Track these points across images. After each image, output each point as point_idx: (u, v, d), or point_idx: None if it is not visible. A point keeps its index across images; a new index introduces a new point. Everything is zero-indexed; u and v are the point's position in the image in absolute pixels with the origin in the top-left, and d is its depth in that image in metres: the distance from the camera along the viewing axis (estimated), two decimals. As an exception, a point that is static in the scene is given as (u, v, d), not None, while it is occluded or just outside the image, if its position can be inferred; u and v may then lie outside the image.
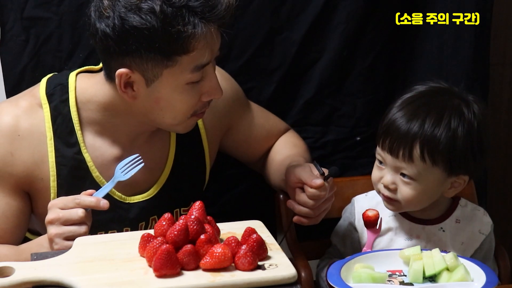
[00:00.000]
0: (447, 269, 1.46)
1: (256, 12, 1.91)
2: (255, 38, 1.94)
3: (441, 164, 1.57)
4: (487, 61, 2.02)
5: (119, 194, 1.65)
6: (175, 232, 1.35)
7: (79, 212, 1.46)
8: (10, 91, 1.86)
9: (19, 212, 1.61)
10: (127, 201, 1.66)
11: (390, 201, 1.64)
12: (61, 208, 1.48)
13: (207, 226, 1.40)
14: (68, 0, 1.83)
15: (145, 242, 1.38)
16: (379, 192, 1.65)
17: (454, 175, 1.60)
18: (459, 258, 1.49)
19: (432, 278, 1.47)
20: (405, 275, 1.50)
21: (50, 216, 1.48)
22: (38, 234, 1.67)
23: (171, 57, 1.48)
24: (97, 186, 1.60)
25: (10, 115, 1.59)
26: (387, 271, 1.51)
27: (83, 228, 1.47)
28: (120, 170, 1.54)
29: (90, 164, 1.62)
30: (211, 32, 1.50)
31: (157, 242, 1.34)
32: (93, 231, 1.56)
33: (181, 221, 1.37)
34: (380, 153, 1.62)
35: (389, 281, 1.47)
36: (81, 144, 1.61)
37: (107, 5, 1.48)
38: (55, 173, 1.60)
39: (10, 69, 1.85)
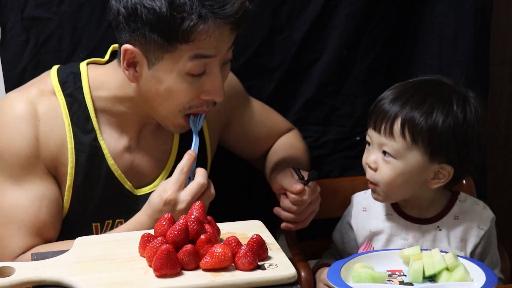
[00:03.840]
0: (447, 269, 1.46)
1: (256, 12, 1.91)
2: (255, 38, 1.94)
3: (421, 144, 1.57)
4: (487, 61, 2.02)
5: (130, 184, 1.66)
6: (175, 232, 1.35)
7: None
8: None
9: (58, 196, 1.61)
10: (135, 193, 1.67)
11: (372, 186, 1.65)
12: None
13: (207, 226, 1.40)
14: (68, 0, 1.83)
15: (145, 242, 1.38)
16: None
17: (436, 162, 1.60)
18: (459, 258, 1.49)
19: (432, 278, 1.48)
20: (405, 275, 1.50)
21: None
22: None
23: (172, 43, 1.50)
24: (111, 174, 1.63)
25: (24, 102, 1.59)
26: (387, 271, 1.51)
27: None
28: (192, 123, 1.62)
29: (105, 151, 1.63)
30: (219, 28, 1.50)
31: (157, 242, 1.34)
32: (101, 220, 1.60)
33: (181, 221, 1.37)
34: (368, 133, 1.65)
35: (389, 281, 1.47)
36: (97, 131, 1.62)
37: None
38: (74, 160, 1.61)
39: (10, 69, 1.85)
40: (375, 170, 1.63)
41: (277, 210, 1.69)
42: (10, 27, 1.83)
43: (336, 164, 2.05)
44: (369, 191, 1.74)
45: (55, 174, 1.62)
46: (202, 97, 1.58)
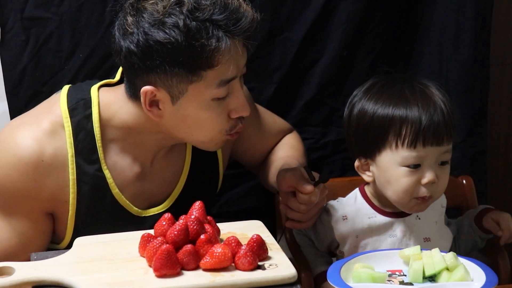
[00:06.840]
0: (447, 269, 1.46)
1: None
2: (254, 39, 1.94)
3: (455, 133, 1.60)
4: (487, 61, 2.02)
5: (136, 209, 1.63)
6: (175, 232, 1.35)
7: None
8: (10, 91, 1.86)
9: (42, 234, 1.60)
10: (143, 215, 1.64)
11: (428, 200, 1.61)
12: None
13: (207, 226, 1.40)
14: (68, 0, 1.83)
15: (145, 242, 1.38)
16: (415, 198, 1.60)
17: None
18: (459, 258, 1.49)
19: (432, 278, 1.47)
20: (405, 275, 1.50)
21: None
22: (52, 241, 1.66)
23: (196, 72, 1.47)
24: (116, 203, 1.60)
25: (32, 141, 1.53)
26: (387, 271, 1.51)
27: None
28: None
29: (110, 181, 1.59)
30: (236, 46, 1.48)
31: (157, 242, 1.34)
32: None
33: (181, 221, 1.37)
34: (416, 155, 1.57)
35: (389, 281, 1.47)
36: (102, 161, 1.57)
37: (130, 22, 1.47)
38: (75, 191, 1.57)
39: (10, 69, 1.85)
40: (433, 184, 1.59)
41: (283, 207, 1.66)
42: (10, 27, 1.83)
43: (337, 165, 2.05)
44: (341, 198, 1.72)
45: (52, 210, 1.59)
46: (232, 116, 1.56)
